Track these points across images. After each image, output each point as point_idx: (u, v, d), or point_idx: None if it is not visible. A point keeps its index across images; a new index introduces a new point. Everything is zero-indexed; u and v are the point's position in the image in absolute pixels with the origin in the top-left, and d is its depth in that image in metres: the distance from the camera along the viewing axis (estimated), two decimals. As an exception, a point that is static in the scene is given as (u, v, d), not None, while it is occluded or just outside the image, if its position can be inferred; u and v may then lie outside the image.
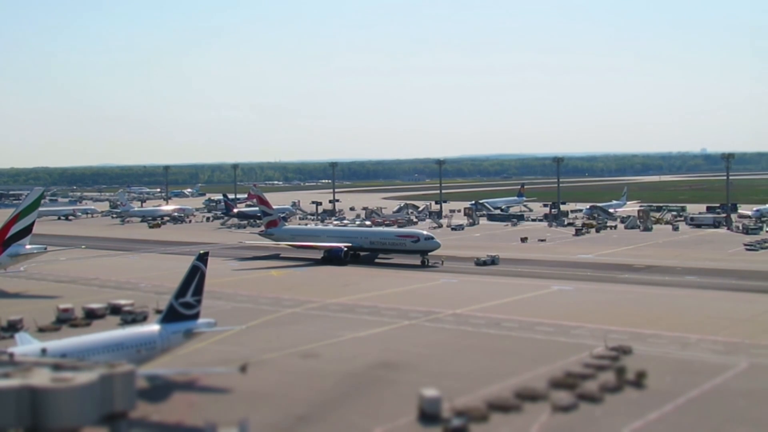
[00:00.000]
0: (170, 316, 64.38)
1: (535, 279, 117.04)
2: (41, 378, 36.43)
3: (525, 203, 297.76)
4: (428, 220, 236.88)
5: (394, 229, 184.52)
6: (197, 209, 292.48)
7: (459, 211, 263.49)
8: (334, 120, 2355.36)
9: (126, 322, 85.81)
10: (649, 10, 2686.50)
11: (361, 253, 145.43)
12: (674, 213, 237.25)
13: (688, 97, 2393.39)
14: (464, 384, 60.44)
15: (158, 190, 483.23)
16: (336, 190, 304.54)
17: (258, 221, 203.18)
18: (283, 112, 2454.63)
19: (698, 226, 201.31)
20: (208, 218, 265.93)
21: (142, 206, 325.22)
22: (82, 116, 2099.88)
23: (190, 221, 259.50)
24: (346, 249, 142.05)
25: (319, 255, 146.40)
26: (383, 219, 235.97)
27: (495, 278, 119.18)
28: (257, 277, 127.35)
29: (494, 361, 68.72)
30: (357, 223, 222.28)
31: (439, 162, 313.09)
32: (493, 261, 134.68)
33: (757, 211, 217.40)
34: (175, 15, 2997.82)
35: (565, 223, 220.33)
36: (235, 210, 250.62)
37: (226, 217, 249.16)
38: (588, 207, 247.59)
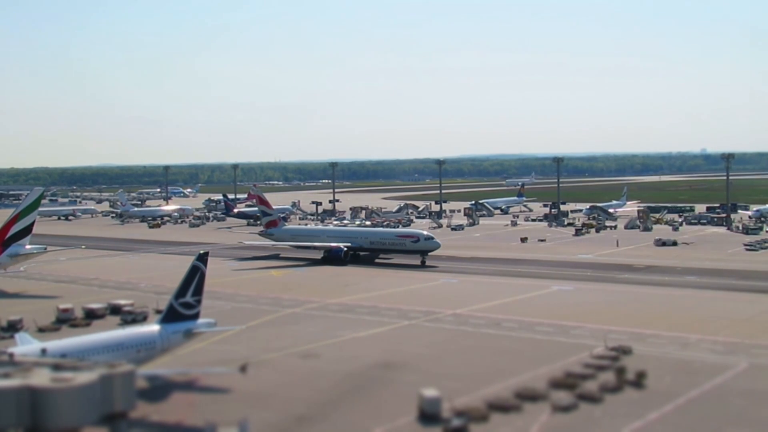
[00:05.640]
0: (170, 316, 64.35)
1: (535, 279, 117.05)
2: (41, 378, 36.31)
3: (525, 203, 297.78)
4: (428, 220, 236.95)
5: (394, 229, 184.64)
6: (197, 209, 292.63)
7: (459, 211, 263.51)
8: (334, 120, 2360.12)
9: (126, 322, 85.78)
10: (649, 10, 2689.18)
11: (361, 253, 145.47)
12: (685, 213, 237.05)
13: (688, 97, 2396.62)
14: (464, 384, 60.40)
15: (158, 190, 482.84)
16: (336, 190, 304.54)
17: (258, 221, 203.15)
18: (283, 112, 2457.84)
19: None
20: (207, 218, 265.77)
21: (141, 206, 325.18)
22: (83, 116, 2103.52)
23: (189, 221, 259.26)
24: (346, 249, 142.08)
25: (319, 255, 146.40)
26: (383, 219, 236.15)
27: (495, 278, 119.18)
28: (257, 277, 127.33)
29: (494, 361, 68.69)
30: (357, 223, 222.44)
31: (439, 162, 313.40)
32: (674, 242, 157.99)
33: (757, 211, 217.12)
34: (175, 15, 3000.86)
35: (565, 223, 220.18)
36: (235, 210, 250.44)
37: (226, 218, 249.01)
38: (588, 207, 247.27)
